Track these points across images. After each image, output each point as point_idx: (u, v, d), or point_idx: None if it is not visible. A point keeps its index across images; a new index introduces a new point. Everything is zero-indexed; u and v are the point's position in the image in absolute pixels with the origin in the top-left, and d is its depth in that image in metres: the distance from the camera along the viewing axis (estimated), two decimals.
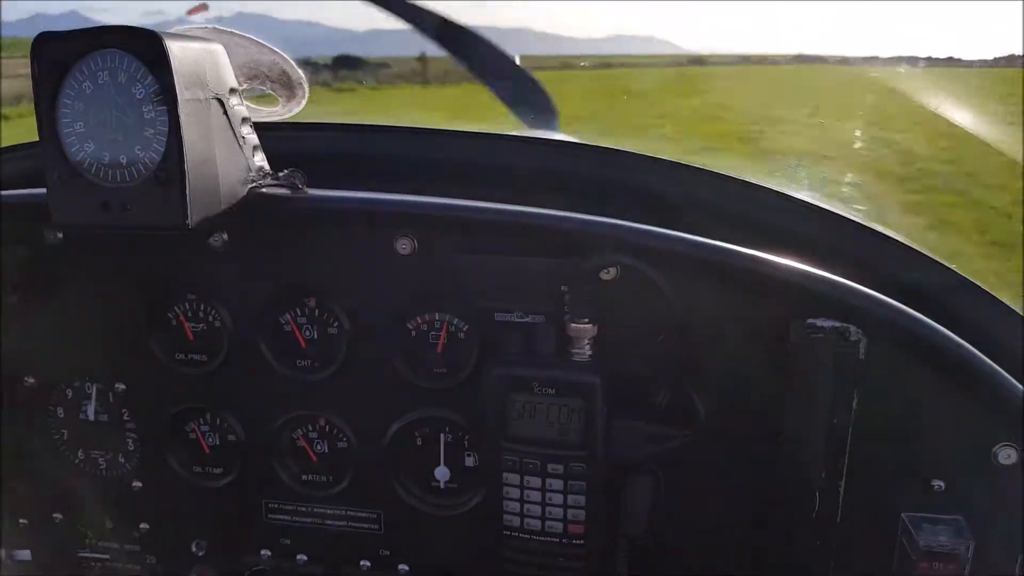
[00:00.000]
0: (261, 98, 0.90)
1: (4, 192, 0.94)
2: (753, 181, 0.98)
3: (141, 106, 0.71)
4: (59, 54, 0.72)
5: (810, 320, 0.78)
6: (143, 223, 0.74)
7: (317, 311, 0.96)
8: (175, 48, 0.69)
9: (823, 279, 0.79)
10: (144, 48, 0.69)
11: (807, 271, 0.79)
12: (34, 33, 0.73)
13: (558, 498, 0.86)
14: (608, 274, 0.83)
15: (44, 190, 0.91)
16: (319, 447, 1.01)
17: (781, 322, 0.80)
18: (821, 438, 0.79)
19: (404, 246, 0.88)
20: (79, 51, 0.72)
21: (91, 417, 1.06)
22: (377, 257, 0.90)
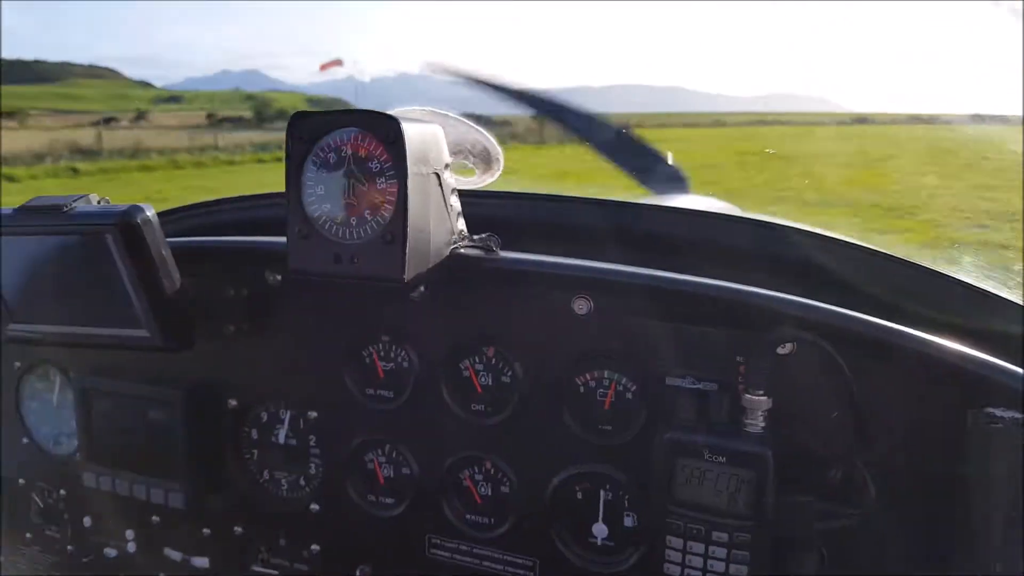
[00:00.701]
0: (461, 169, 1.03)
1: (243, 239, 1.13)
2: (930, 266, 0.99)
3: (376, 177, 0.85)
4: (311, 129, 0.88)
5: (989, 409, 0.78)
6: (366, 276, 0.87)
7: (494, 359, 1.06)
8: (408, 130, 0.83)
9: (1002, 369, 0.79)
10: (384, 130, 0.83)
11: (985, 360, 0.80)
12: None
13: (720, 566, 0.88)
14: (785, 348, 0.87)
15: (272, 239, 1.09)
16: (483, 489, 1.10)
17: (958, 407, 0.81)
18: (999, 528, 0.78)
19: (581, 307, 0.97)
20: (326, 128, 0.87)
21: (281, 441, 1.22)
22: (555, 315, 0.99)
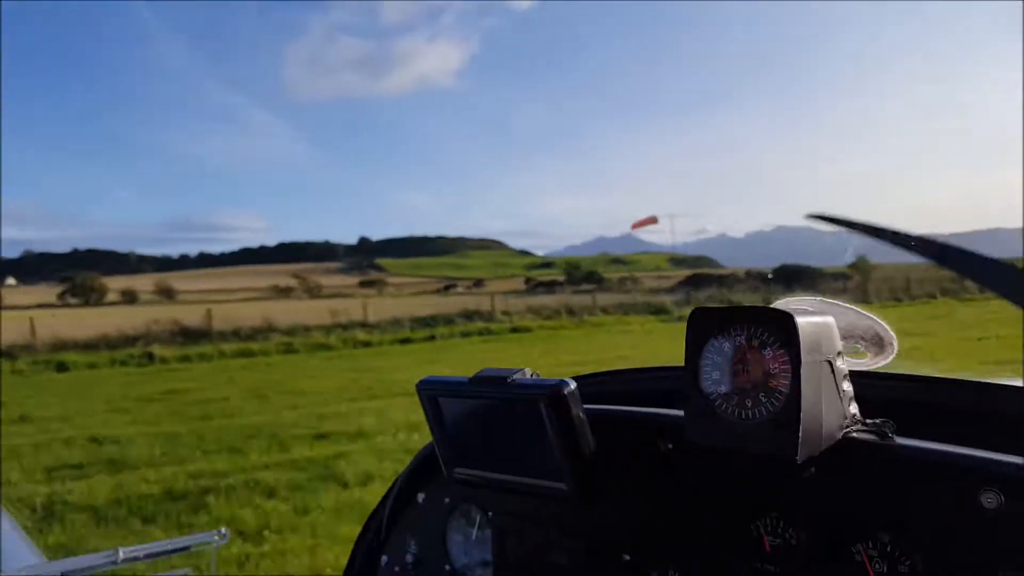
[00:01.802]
0: (853, 352, 1.11)
1: (645, 410, 1.34)
2: None
3: (769, 364, 0.99)
4: (710, 321, 1.06)
5: None
6: (759, 453, 0.99)
7: (889, 547, 1.06)
8: (802, 324, 0.96)
9: None
10: (777, 326, 0.98)
11: None
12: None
13: None
14: None
15: (667, 411, 1.27)
16: None
17: None
18: None
19: (990, 500, 0.95)
20: (724, 321, 1.05)
21: None
22: (959, 508, 0.97)
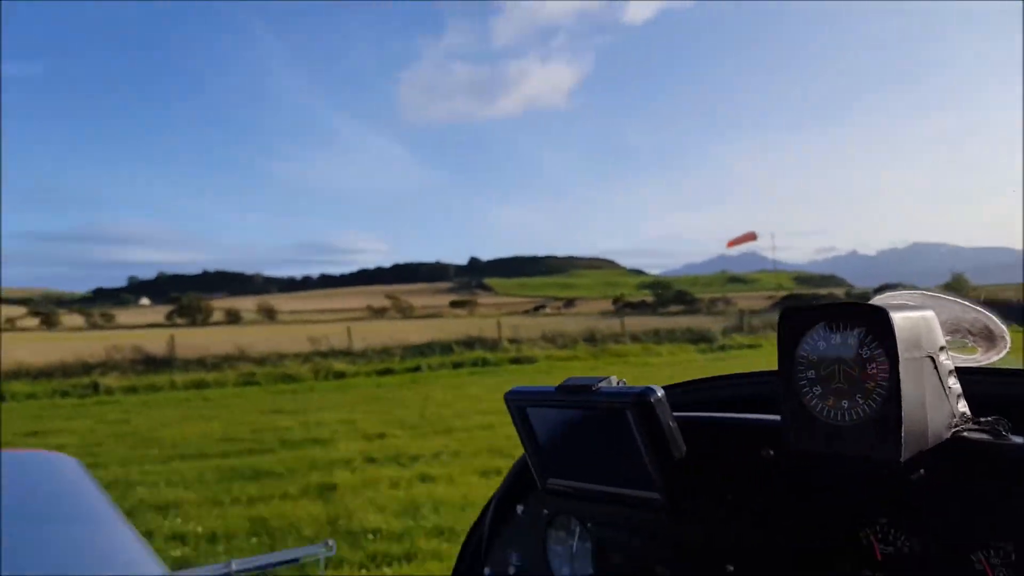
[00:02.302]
0: (962, 348, 1.06)
1: (740, 416, 1.31)
2: None
3: (866, 364, 0.95)
4: (800, 321, 1.04)
5: None
6: (860, 456, 0.95)
7: (1014, 556, 1.00)
8: (897, 319, 0.92)
9: None
10: (871, 321, 0.94)
11: None
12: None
13: None
14: None
15: (765, 416, 1.24)
16: None
17: None
18: None
19: None
20: (814, 319, 1.02)
21: None
22: None
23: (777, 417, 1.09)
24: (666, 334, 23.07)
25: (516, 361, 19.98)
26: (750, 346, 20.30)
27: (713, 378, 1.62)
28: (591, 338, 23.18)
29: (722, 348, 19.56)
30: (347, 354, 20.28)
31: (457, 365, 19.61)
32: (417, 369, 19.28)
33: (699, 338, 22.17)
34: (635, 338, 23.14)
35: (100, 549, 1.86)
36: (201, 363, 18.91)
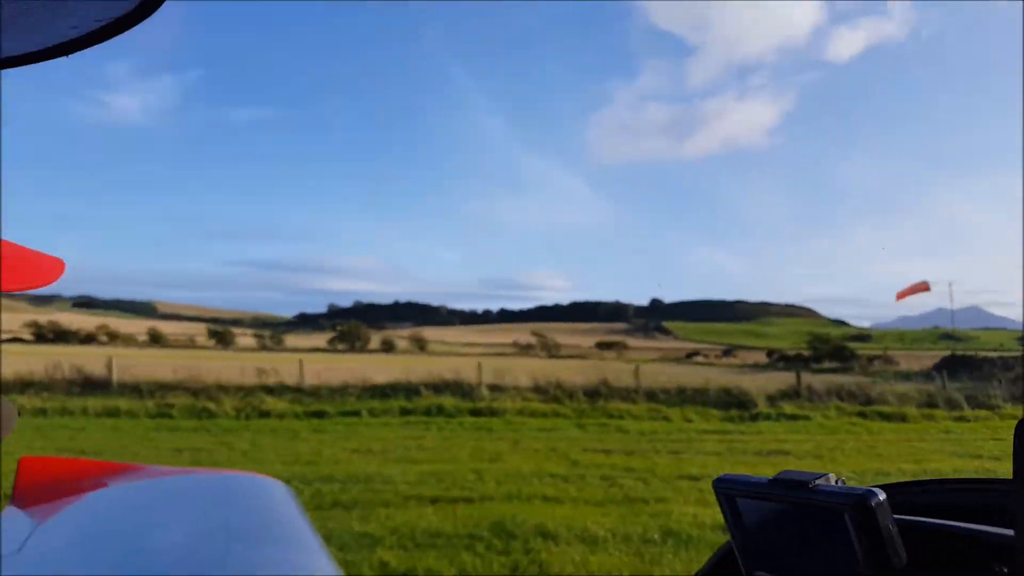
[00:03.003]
0: None
1: (967, 526, 1.29)
2: None
3: None
4: None
5: None
6: None
7: None
8: None
9: None
10: None
11: None
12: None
13: None
14: None
15: (996, 529, 1.22)
16: None
17: None
18: None
19: None
20: None
21: None
22: None
23: (1010, 532, 1.08)
24: (695, 395, 18.62)
25: (477, 413, 16.50)
26: (791, 417, 15.85)
27: (935, 481, 1.59)
28: (594, 393, 18.77)
29: (753, 418, 16.21)
30: (297, 390, 18.57)
31: (401, 412, 16.80)
32: (357, 414, 16.55)
33: (738, 402, 17.50)
34: (651, 395, 18.58)
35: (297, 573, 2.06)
36: (314, 392, 18.70)
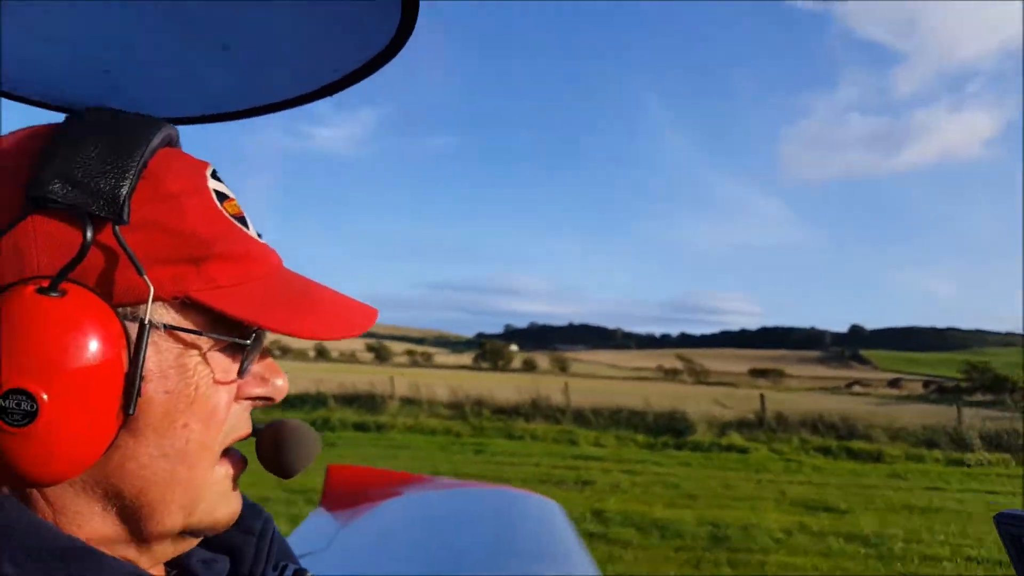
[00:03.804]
0: None
1: None
2: None
3: None
4: None
5: None
6: None
7: None
8: None
9: None
10: None
11: None
12: None
13: None
14: None
15: None
16: None
17: None
18: None
19: None
20: None
21: None
22: None
23: None
24: (721, 426, 16.20)
25: (410, 430, 15.70)
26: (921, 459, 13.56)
27: None
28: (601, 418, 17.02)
29: (835, 454, 13.78)
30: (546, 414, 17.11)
31: (360, 427, 15.82)
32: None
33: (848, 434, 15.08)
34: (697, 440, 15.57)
35: None
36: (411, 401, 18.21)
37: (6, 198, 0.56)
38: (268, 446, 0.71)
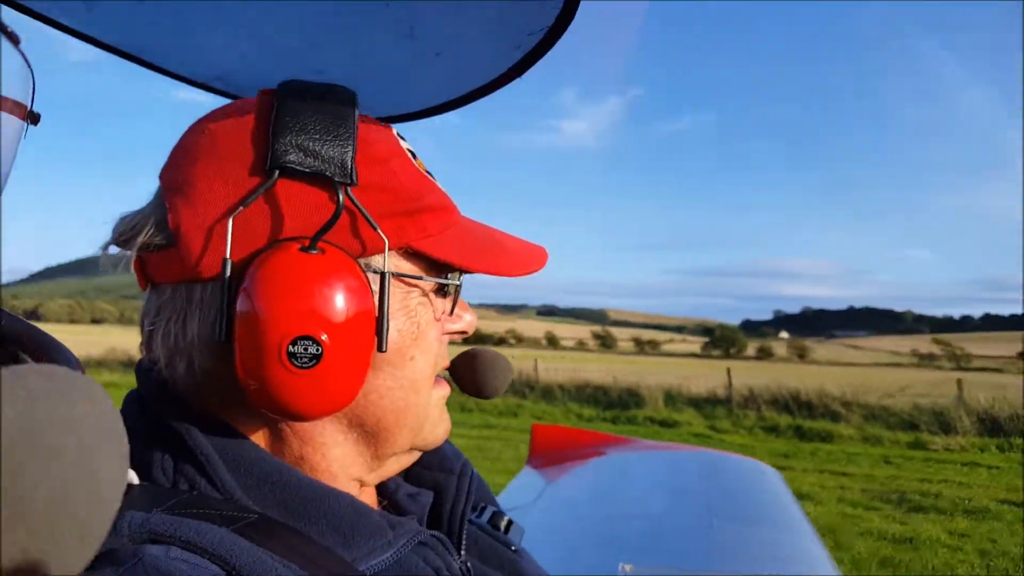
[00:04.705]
0: None
1: None
2: None
3: None
4: None
5: None
6: None
7: None
8: None
9: None
10: None
11: None
12: None
13: None
14: None
15: None
16: None
17: None
18: None
19: None
20: None
21: None
22: None
23: None
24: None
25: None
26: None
27: None
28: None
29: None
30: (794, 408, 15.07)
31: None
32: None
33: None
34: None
35: (792, 559, 2.18)
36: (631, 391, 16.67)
37: (248, 168, 0.64)
38: (467, 372, 0.82)
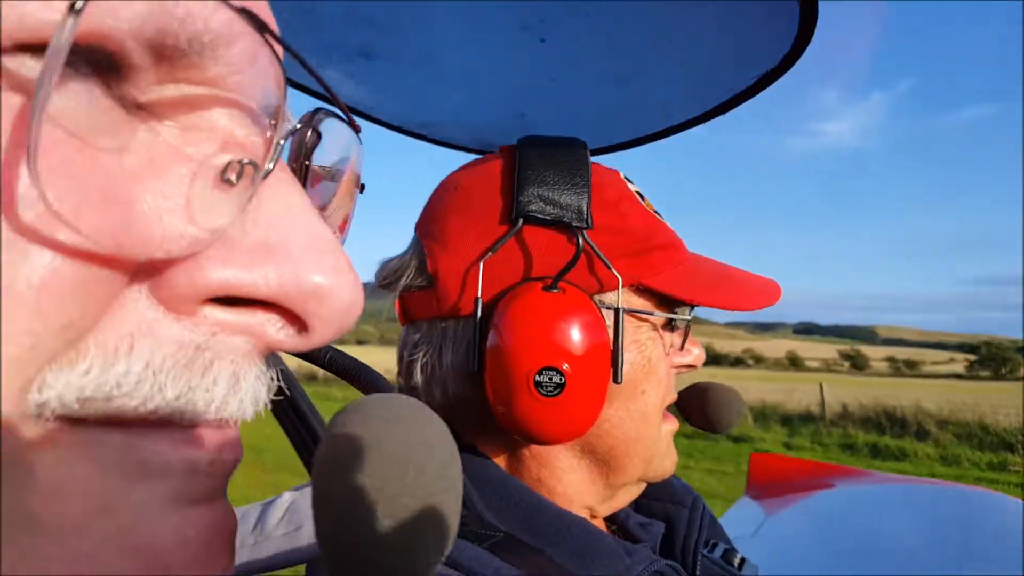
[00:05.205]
0: None
1: None
2: None
3: None
4: None
5: None
6: None
7: None
8: None
9: None
10: None
11: None
12: None
13: None
14: None
15: None
16: None
17: None
18: None
19: None
20: None
21: None
22: None
23: None
24: None
25: None
26: None
27: None
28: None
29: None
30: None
31: None
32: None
33: None
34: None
35: None
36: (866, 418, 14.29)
37: (496, 218, 0.71)
38: (698, 406, 0.88)
